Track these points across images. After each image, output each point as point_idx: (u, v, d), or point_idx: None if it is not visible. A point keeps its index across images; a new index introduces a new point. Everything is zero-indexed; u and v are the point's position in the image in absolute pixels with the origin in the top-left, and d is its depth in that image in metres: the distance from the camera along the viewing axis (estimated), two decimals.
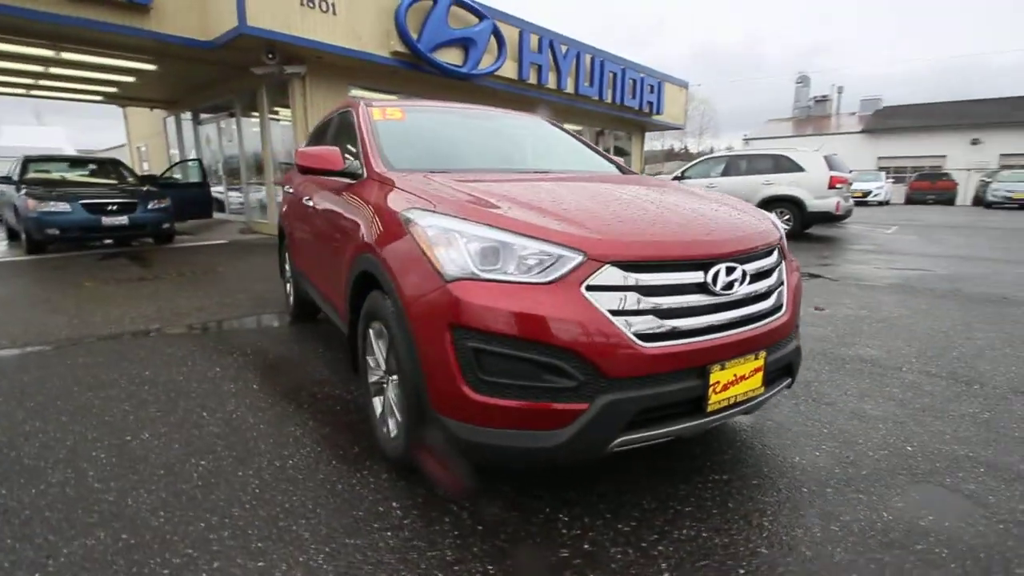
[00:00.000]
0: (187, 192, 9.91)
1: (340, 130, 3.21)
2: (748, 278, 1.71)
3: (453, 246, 1.59)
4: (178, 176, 11.27)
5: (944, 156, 33.43)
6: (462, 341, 1.51)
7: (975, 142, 32.68)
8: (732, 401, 1.69)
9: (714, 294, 1.64)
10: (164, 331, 3.90)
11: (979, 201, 21.49)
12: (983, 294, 5.03)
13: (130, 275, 6.09)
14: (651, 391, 1.54)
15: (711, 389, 1.62)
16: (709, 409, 1.63)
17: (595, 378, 1.49)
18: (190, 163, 11.64)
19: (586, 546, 1.58)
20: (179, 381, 2.92)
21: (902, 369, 3.06)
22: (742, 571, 1.49)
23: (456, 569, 1.49)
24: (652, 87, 14.69)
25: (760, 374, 1.74)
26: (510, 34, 10.11)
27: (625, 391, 1.51)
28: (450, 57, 9.11)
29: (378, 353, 2.05)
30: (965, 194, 26.35)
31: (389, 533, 1.65)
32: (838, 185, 8.85)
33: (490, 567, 1.50)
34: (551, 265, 1.52)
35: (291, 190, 3.88)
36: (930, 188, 24.56)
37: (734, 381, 1.67)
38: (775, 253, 1.90)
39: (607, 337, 1.48)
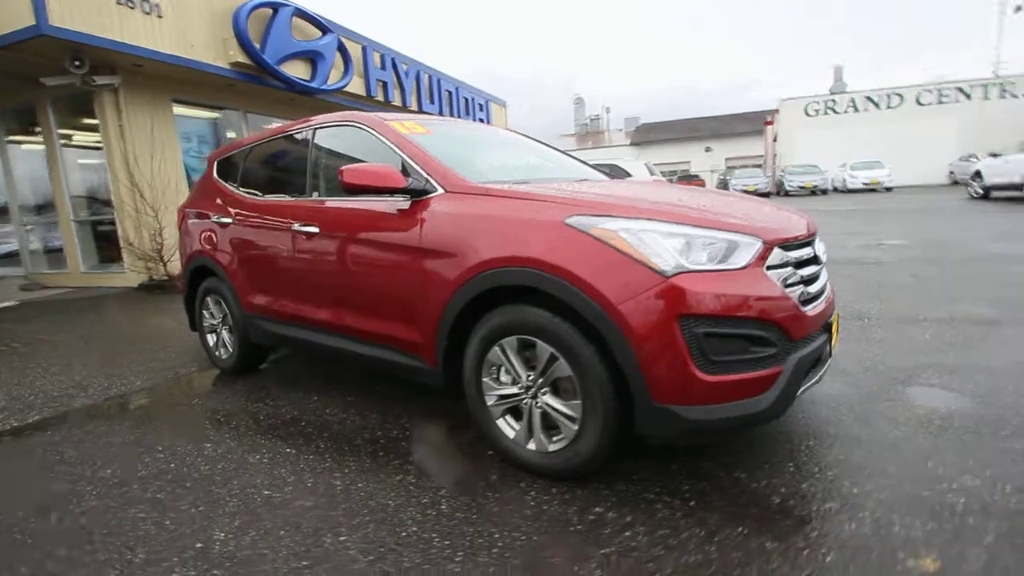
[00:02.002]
0: None
1: (323, 150, 2.88)
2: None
3: (659, 245, 1.69)
4: None
5: (688, 161, 41.93)
6: (690, 328, 1.63)
7: (708, 150, 41.81)
8: (835, 349, 2.11)
9: (819, 263, 2.05)
10: (70, 417, 2.94)
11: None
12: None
13: None
14: (813, 346, 1.87)
15: (831, 340, 2.02)
16: (831, 356, 2.03)
17: (785, 343, 1.75)
18: None
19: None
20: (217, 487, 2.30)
21: None
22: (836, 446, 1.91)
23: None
24: (481, 105, 15.50)
25: (836, 325, 2.21)
26: (354, 50, 9.73)
27: (801, 350, 1.81)
28: (297, 71, 8.39)
29: (516, 369, 1.99)
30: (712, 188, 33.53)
31: (628, 533, 1.67)
32: None
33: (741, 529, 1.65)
34: (736, 252, 1.74)
35: (231, 220, 3.29)
36: (688, 186, 30.71)
37: (833, 333, 2.10)
38: None
39: (788, 307, 1.76)
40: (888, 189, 21.50)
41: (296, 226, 2.78)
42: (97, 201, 7.49)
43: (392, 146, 2.47)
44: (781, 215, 2.12)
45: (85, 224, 7.66)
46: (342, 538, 1.73)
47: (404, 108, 11.61)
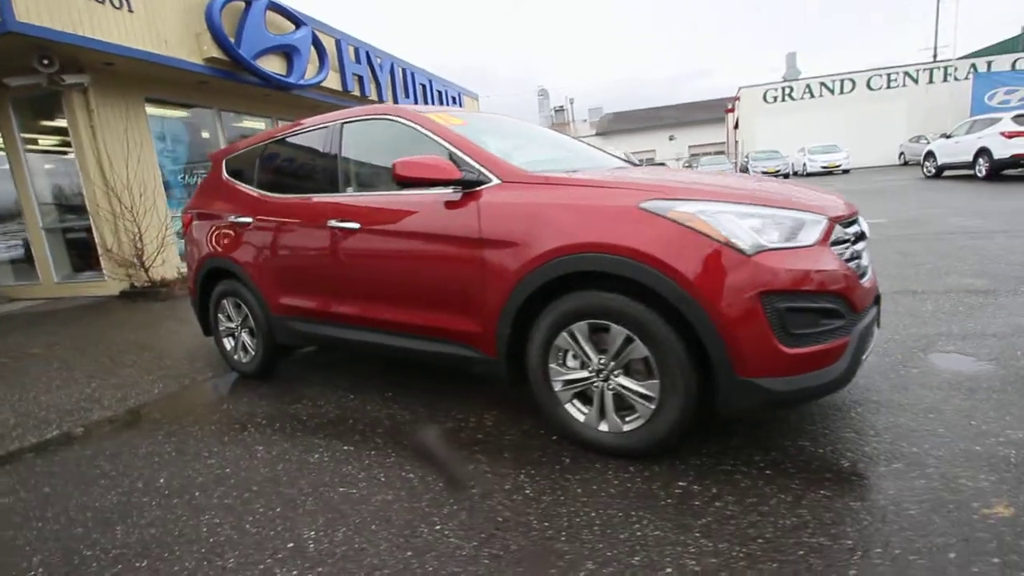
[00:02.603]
0: None
1: (353, 145, 2.83)
2: None
3: (736, 225, 1.75)
4: None
5: (654, 150, 42.69)
6: (772, 304, 1.70)
7: (671, 138, 42.65)
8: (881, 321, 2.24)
9: (865, 239, 2.16)
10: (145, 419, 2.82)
11: None
12: None
13: None
14: (870, 318, 1.98)
15: (879, 312, 2.14)
16: (879, 327, 2.15)
17: (851, 314, 1.85)
18: None
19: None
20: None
21: None
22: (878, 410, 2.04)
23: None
24: (454, 98, 15.36)
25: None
26: (328, 44, 9.49)
27: (861, 321, 1.91)
28: (274, 66, 8.13)
29: (587, 354, 2.03)
30: None
31: (718, 504, 1.74)
32: None
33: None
34: (805, 230, 1.82)
35: (251, 220, 3.20)
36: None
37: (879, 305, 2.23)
38: None
39: (852, 280, 1.86)
40: (845, 171, 22.44)
41: (332, 223, 2.73)
42: (68, 207, 7.10)
43: (436, 138, 2.45)
44: (827, 195, 2.22)
45: (56, 231, 7.25)
46: (438, 527, 1.75)
47: (380, 102, 11.40)
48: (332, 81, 9.60)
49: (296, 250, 2.99)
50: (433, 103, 13.82)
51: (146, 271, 6.71)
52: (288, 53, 8.35)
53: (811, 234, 1.82)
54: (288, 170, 3.25)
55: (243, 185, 3.39)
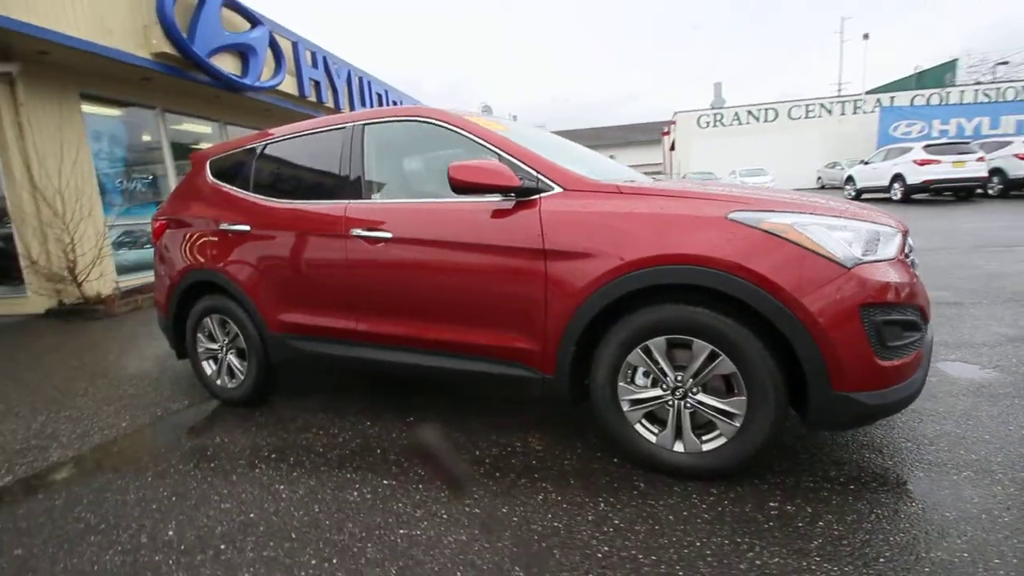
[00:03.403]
0: None
1: (378, 148, 2.61)
2: None
3: (830, 238, 1.73)
4: None
5: None
6: (870, 317, 1.69)
7: (612, 157, 44.26)
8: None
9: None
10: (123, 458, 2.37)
11: None
12: None
13: None
14: (930, 331, 2.02)
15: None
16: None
17: (924, 326, 1.88)
18: None
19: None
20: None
21: None
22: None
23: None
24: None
25: None
26: (285, 47, 9.00)
27: (928, 333, 1.95)
28: (228, 65, 7.57)
29: (664, 371, 1.94)
30: None
31: (821, 524, 1.68)
32: None
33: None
34: (886, 243, 1.83)
35: (248, 228, 2.87)
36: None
37: None
38: None
39: (923, 293, 1.90)
40: None
41: (357, 232, 2.49)
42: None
43: (483, 143, 2.30)
44: (875, 209, 2.28)
45: None
46: (534, 570, 1.57)
47: (337, 110, 10.96)
48: (288, 85, 9.09)
49: (306, 262, 2.70)
50: None
51: (79, 286, 5.95)
52: (244, 53, 7.82)
53: (891, 247, 1.84)
54: (294, 174, 2.96)
55: (236, 190, 3.05)
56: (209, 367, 3.22)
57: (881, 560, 1.51)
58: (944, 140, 16.57)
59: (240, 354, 3.09)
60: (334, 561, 1.68)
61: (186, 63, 6.83)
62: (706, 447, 1.93)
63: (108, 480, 2.34)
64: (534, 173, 2.16)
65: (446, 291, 2.33)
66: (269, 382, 3.08)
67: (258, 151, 3.04)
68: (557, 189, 2.12)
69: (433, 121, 2.47)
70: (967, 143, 14.39)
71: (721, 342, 1.82)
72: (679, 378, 1.93)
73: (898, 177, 14.12)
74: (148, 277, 7.29)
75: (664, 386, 1.97)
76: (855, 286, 1.69)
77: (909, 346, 1.79)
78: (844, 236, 1.75)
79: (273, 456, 2.44)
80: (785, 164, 28.06)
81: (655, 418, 2.04)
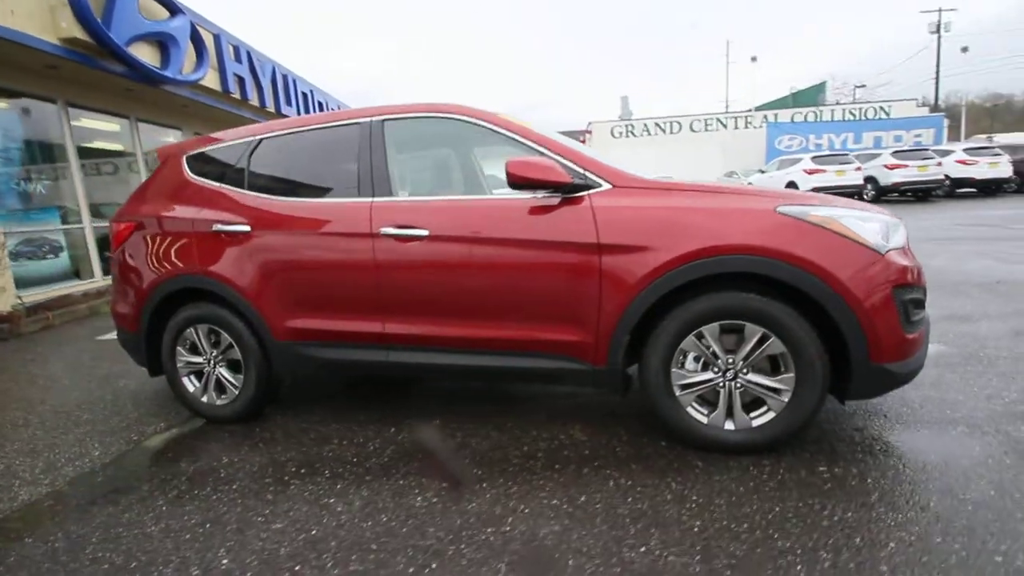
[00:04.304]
0: None
1: (401, 144, 2.54)
2: None
3: (864, 228, 1.96)
4: None
5: None
6: (899, 296, 1.93)
7: None
8: None
9: None
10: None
11: None
12: None
13: None
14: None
15: None
16: None
17: (925, 304, 2.18)
18: None
19: None
20: None
21: None
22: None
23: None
24: (334, 109, 14.45)
25: None
26: (207, 39, 8.29)
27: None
28: (147, 56, 6.83)
29: (714, 354, 2.07)
30: None
31: (869, 481, 1.89)
32: None
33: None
34: (898, 232, 2.10)
35: (248, 228, 2.65)
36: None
37: None
38: None
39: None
40: None
41: (387, 230, 2.39)
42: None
43: (525, 141, 2.32)
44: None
45: None
46: (642, 549, 1.62)
47: (261, 109, 10.27)
48: (211, 80, 8.37)
49: (323, 263, 2.55)
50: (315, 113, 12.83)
51: None
52: (164, 43, 7.09)
53: (901, 236, 2.11)
54: (302, 171, 2.76)
55: (228, 187, 2.79)
56: (191, 384, 2.91)
57: (932, 504, 1.73)
58: (828, 152, 18.86)
59: (232, 366, 2.83)
60: (433, 566, 1.61)
61: (100, 51, 6.08)
62: (755, 423, 2.09)
63: (110, 514, 2.05)
64: (581, 170, 2.22)
65: (490, 288, 2.31)
66: (269, 395, 2.85)
67: (253, 146, 2.81)
68: (606, 186, 2.20)
69: (466, 119, 2.44)
70: (846, 155, 16.52)
71: (772, 324, 1.99)
72: (730, 360, 2.08)
73: (791, 184, 15.84)
74: (56, 291, 6.39)
75: (715, 369, 2.11)
76: (888, 270, 1.93)
77: (921, 321, 2.07)
78: (873, 227, 2.00)
79: (303, 471, 2.28)
80: (689, 173, 30.41)
81: (703, 400, 2.17)
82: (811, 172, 15.36)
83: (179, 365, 2.91)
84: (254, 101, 9.82)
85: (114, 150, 8.22)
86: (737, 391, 2.10)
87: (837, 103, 32.79)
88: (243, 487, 2.18)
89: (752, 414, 2.11)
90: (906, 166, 14.88)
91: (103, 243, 7.70)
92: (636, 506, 1.84)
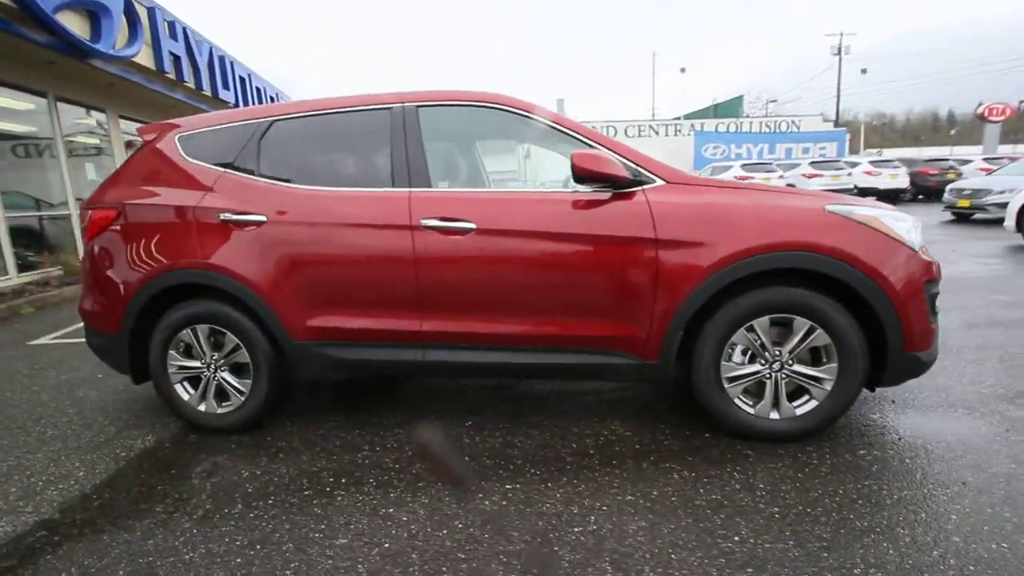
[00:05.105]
0: None
1: (439, 133, 2.43)
2: None
3: (898, 227, 2.11)
4: None
5: None
6: (929, 290, 2.10)
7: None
8: None
9: None
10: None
11: None
12: None
13: None
14: None
15: None
16: None
17: None
18: None
19: None
20: None
21: None
22: None
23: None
24: (273, 98, 13.57)
25: None
26: (141, 13, 7.49)
27: None
28: (75, 26, 6.06)
29: (763, 346, 2.16)
30: None
31: (908, 460, 2.04)
32: None
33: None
34: (918, 231, 2.28)
35: (264, 218, 2.43)
36: None
37: None
38: None
39: None
40: None
41: (428, 222, 2.27)
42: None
43: (577, 136, 2.30)
44: None
45: None
46: (736, 538, 1.66)
47: (197, 92, 9.45)
48: (144, 58, 7.59)
49: (355, 256, 2.38)
50: (253, 99, 12.00)
51: None
52: (95, 13, 6.30)
53: (919, 234, 2.30)
54: (325, 157, 2.56)
55: (236, 173, 2.53)
56: (185, 391, 2.62)
57: (970, 480, 1.90)
58: (755, 160, 20.29)
59: (236, 370, 2.59)
60: (534, 572, 1.55)
61: (22, 17, 5.32)
62: (799, 411, 2.20)
63: (128, 542, 1.80)
64: (635, 166, 2.23)
65: (539, 283, 2.27)
66: (281, 399, 2.63)
67: (263, 128, 2.57)
68: (660, 182, 2.22)
69: (506, 107, 2.38)
70: (770, 163, 17.88)
71: (819, 318, 2.10)
72: (777, 352, 2.18)
73: None
74: None
75: (763, 361, 2.19)
76: (920, 266, 2.10)
77: (937, 313, 2.28)
78: (906, 225, 2.16)
79: (344, 481, 2.12)
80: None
81: (747, 392, 2.26)
82: (741, 179, 16.49)
83: (171, 371, 2.61)
84: (190, 83, 9.02)
85: (24, 133, 7.25)
86: (783, 382, 2.20)
87: (746, 116, 35.42)
88: (282, 501, 1.99)
89: (795, 403, 2.22)
90: (822, 175, 16.38)
91: (18, 235, 6.78)
92: (711, 497, 1.88)
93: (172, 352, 2.59)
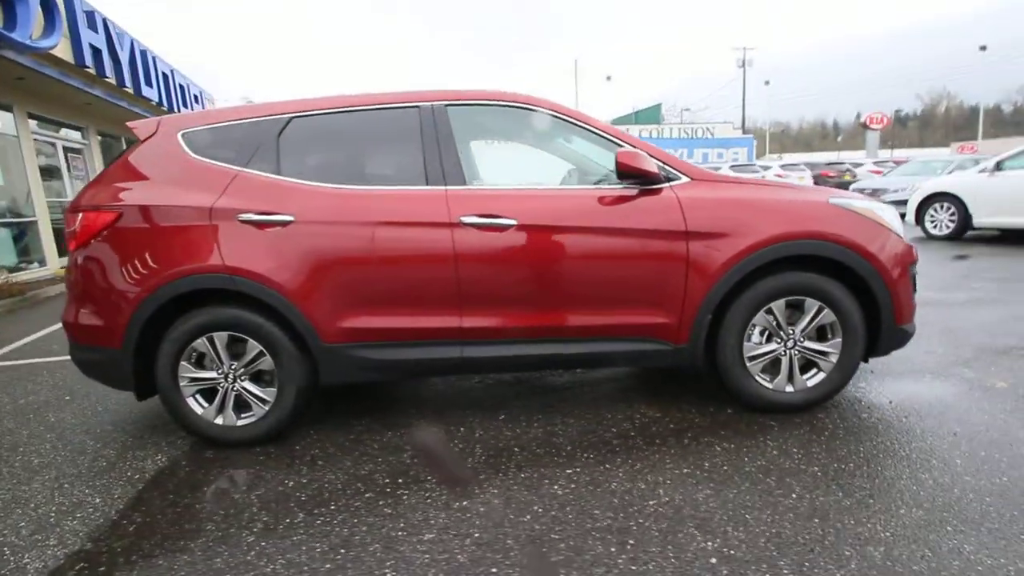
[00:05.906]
0: None
1: (470, 131, 2.47)
2: None
3: (888, 217, 2.42)
4: None
5: None
6: (911, 271, 2.44)
7: None
8: None
9: None
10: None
11: None
12: None
13: None
14: None
15: None
16: None
17: None
18: None
19: None
20: None
21: None
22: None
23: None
24: (196, 96, 12.66)
25: None
26: (58, 0, 6.77)
27: None
28: None
29: (779, 326, 2.40)
30: None
31: (907, 418, 2.35)
32: None
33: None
34: (899, 220, 2.62)
35: (291, 218, 2.34)
36: None
37: None
38: None
39: None
40: None
41: (467, 219, 2.31)
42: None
43: (608, 136, 2.43)
44: None
45: None
46: (793, 496, 1.85)
47: (118, 88, 8.65)
48: (63, 50, 6.85)
49: (393, 255, 2.35)
50: (177, 97, 11.13)
51: None
52: (9, 1, 5.63)
53: (900, 223, 2.65)
54: (352, 155, 2.50)
55: (253, 171, 2.42)
56: (199, 404, 2.46)
57: (959, 431, 2.24)
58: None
59: (257, 378, 2.47)
60: (631, 543, 1.65)
61: None
62: (809, 383, 2.46)
63: (189, 563, 1.69)
64: (663, 165, 2.40)
65: (580, 276, 2.38)
66: (307, 407, 2.54)
67: (282, 125, 2.48)
68: (685, 179, 2.40)
69: (535, 107, 2.46)
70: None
71: (827, 298, 2.37)
72: (791, 331, 2.43)
73: None
74: None
75: (779, 339, 2.43)
76: (907, 251, 2.43)
77: (916, 290, 2.63)
78: (893, 215, 2.49)
79: (400, 480, 2.11)
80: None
81: (765, 369, 2.49)
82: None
83: (183, 384, 2.44)
84: (111, 78, 8.25)
85: None
86: (796, 357, 2.45)
87: (666, 123, 37.74)
88: (344, 506, 1.95)
89: (805, 376, 2.47)
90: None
91: None
92: (757, 463, 2.07)
93: (183, 364, 2.43)
